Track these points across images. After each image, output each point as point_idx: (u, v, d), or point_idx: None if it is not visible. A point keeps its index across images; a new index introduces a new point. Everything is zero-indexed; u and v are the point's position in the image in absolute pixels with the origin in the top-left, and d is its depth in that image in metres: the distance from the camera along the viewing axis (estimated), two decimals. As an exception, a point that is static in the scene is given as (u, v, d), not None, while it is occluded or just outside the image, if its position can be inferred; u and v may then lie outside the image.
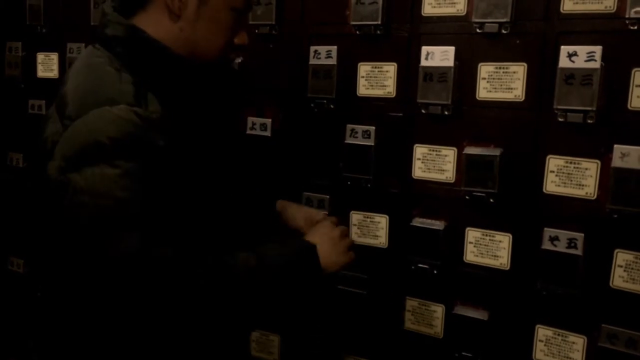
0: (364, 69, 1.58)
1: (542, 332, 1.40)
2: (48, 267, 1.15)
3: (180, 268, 1.00)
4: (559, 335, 1.38)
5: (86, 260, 0.99)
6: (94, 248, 0.97)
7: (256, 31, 1.69)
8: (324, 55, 1.61)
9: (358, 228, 1.62)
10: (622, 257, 1.30)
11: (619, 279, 1.31)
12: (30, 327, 2.23)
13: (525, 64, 1.37)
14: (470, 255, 1.47)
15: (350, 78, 1.59)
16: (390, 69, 1.54)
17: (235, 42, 1.17)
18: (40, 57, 2.14)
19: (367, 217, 1.60)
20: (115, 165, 0.98)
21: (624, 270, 1.30)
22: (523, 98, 1.37)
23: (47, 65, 2.13)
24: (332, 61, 1.60)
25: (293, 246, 1.16)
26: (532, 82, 1.37)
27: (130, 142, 1.00)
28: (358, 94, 1.59)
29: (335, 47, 1.59)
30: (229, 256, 1.06)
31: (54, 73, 2.12)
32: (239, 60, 1.74)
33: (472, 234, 1.46)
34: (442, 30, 1.46)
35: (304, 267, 1.14)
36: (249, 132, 1.74)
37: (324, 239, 1.20)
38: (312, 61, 1.62)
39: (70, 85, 1.08)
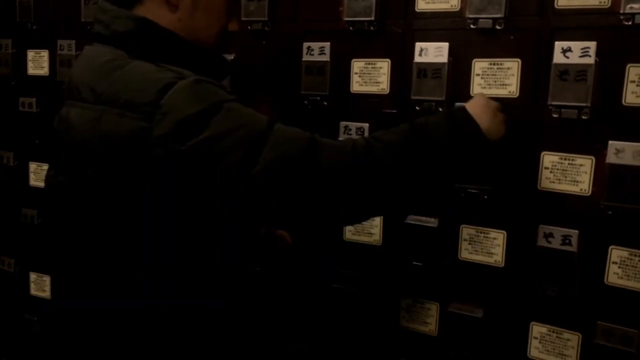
0: (357, 65, 1.57)
1: (537, 329, 1.39)
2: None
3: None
4: (553, 332, 1.38)
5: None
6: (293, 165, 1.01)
7: (249, 27, 1.68)
8: (317, 51, 1.60)
9: (352, 226, 1.61)
10: (616, 253, 1.30)
11: (613, 276, 1.30)
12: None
13: (519, 60, 1.36)
14: (465, 252, 1.46)
15: (343, 75, 1.58)
16: (384, 66, 1.53)
17: (229, 29, 1.21)
18: (31, 54, 2.12)
19: (361, 215, 1.59)
20: (220, 110, 1.01)
21: (619, 267, 1.30)
22: (517, 94, 1.37)
23: (38, 63, 2.11)
24: (326, 58, 1.59)
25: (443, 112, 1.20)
26: (527, 78, 1.36)
27: (219, 95, 1.04)
28: (352, 91, 1.58)
29: (329, 43, 1.58)
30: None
31: (44, 70, 2.10)
32: (231, 57, 1.73)
33: (467, 231, 1.45)
34: (436, 26, 1.45)
35: (462, 125, 1.14)
36: (241, 129, 1.72)
37: (480, 105, 1.21)
38: (305, 58, 1.61)
39: (113, 85, 1.07)
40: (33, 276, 2.20)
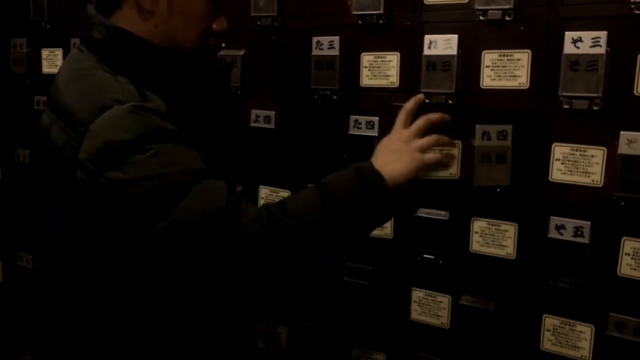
0: (366, 59, 1.57)
1: (550, 322, 1.39)
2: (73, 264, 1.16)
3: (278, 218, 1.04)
4: (566, 324, 1.37)
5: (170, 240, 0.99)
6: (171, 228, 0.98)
7: (258, 23, 1.69)
8: (326, 46, 1.60)
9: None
10: (629, 244, 1.28)
11: (626, 267, 1.29)
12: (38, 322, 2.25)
13: (529, 51, 1.35)
14: (476, 245, 1.45)
15: (353, 68, 1.58)
16: (393, 59, 1.53)
17: (215, 29, 1.18)
18: (45, 53, 2.15)
19: (372, 208, 1.59)
20: (146, 150, 0.99)
21: (632, 258, 1.29)
22: (528, 85, 1.36)
23: (52, 61, 2.14)
24: (335, 52, 1.59)
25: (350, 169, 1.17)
26: (537, 69, 1.35)
27: (153, 130, 1.01)
28: (361, 85, 1.58)
29: (338, 37, 1.57)
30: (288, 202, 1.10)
31: (58, 69, 2.12)
32: (241, 52, 1.73)
33: (478, 224, 1.45)
34: (445, 18, 1.44)
35: (366, 184, 1.12)
36: (252, 124, 1.73)
37: (381, 149, 1.21)
38: (315, 52, 1.61)
39: (68, 94, 1.09)
40: (50, 272, 2.23)
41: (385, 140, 1.26)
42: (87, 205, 1.03)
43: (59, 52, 2.12)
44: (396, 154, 1.20)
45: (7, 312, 2.38)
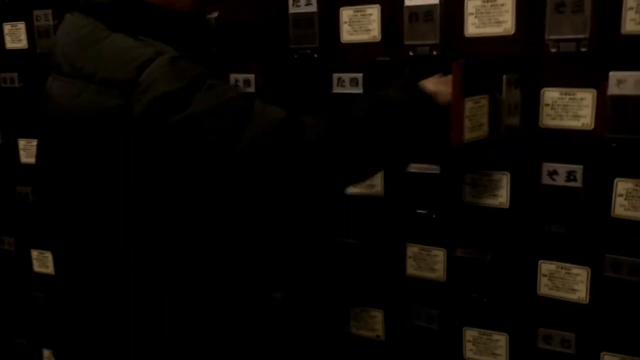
0: (346, 13, 1.52)
1: (546, 267, 1.40)
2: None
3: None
4: (562, 268, 1.38)
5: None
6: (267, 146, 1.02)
7: (230, -17, 1.62)
8: (303, 2, 1.55)
9: (352, 179, 1.59)
10: (622, 185, 1.28)
11: (620, 208, 1.30)
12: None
13: (513, -5, 1.32)
14: (469, 196, 1.45)
15: (332, 25, 1.54)
16: (373, 12, 1.48)
17: None
18: (7, 27, 2.04)
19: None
20: (201, 86, 1.01)
21: (625, 199, 1.29)
22: (513, 31, 1.33)
23: (15, 36, 2.04)
24: (313, 8, 1.53)
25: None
26: (522, 14, 1.32)
27: (198, 72, 1.03)
28: (342, 41, 1.53)
29: (315, -8, 1.52)
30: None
31: (22, 43, 2.03)
32: (215, 15, 1.67)
33: (469, 176, 1.44)
34: (424, -34, 1.40)
35: (413, 95, 1.15)
36: (232, 89, 1.68)
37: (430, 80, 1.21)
38: (292, 10, 1.55)
39: (90, 60, 1.06)
40: (34, 253, 2.18)
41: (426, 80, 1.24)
42: (149, 159, 1.02)
43: (21, 25, 2.02)
44: (437, 84, 1.20)
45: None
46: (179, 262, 1.10)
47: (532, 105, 1.33)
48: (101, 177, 1.06)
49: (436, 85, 1.18)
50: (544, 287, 1.40)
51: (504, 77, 1.24)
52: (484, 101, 1.22)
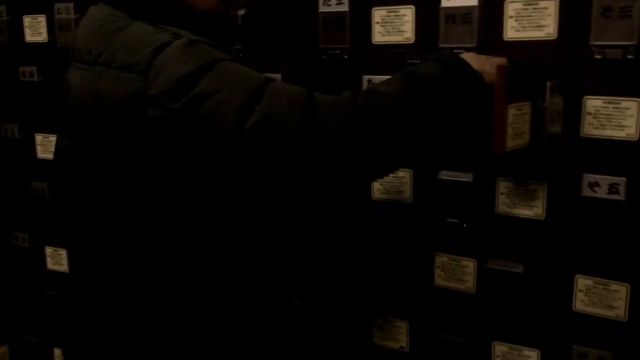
0: (378, 14, 1.47)
1: (582, 282, 1.34)
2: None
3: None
4: (600, 284, 1.32)
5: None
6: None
7: (259, -21, 1.58)
8: (334, 1, 1.50)
9: (380, 184, 1.54)
10: (667, 200, 1.23)
11: (663, 223, 1.24)
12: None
13: (556, -2, 1.27)
14: (502, 206, 1.39)
15: (364, 25, 1.49)
16: (407, 13, 1.43)
17: None
18: (27, 20, 2.01)
19: (390, 172, 1.52)
20: (214, 67, 0.98)
21: (669, 214, 1.23)
22: (556, 36, 1.28)
23: (35, 29, 2.01)
24: (344, 7, 1.49)
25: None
26: (565, 18, 1.26)
27: (214, 56, 1.00)
28: (373, 42, 1.49)
29: (347, -9, 1.48)
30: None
31: (43, 37, 2.00)
32: (241, 12, 1.62)
33: (504, 185, 1.38)
34: (464, -34, 1.35)
35: (453, 65, 1.11)
36: (257, 88, 1.64)
37: (469, 55, 1.17)
38: (322, 9, 1.51)
39: (111, 46, 1.04)
40: (49, 250, 2.15)
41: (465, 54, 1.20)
42: (164, 144, 0.99)
43: (42, 18, 1.99)
44: (479, 60, 1.16)
45: (4, 292, 2.30)
46: (191, 254, 1.07)
47: (574, 113, 1.28)
48: (119, 164, 1.03)
49: (479, 63, 1.14)
50: (580, 303, 1.35)
51: (548, 83, 1.19)
52: (526, 108, 1.17)
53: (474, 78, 1.11)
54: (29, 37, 2.03)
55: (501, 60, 1.20)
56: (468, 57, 1.15)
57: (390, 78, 1.11)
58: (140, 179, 1.03)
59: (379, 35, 1.48)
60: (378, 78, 1.46)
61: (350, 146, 0.99)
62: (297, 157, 0.97)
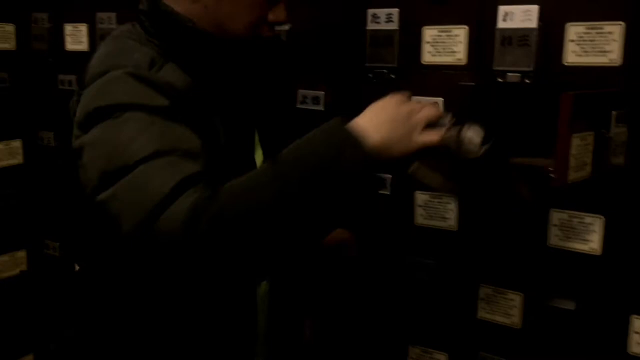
0: (429, 33, 1.42)
1: (638, 323, 1.26)
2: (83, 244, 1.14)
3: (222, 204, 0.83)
4: (659, 327, 1.24)
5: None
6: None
7: (305, -5, 1.54)
8: (384, 19, 1.46)
9: (424, 209, 1.48)
10: None
11: None
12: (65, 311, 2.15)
13: (622, 23, 1.20)
14: (555, 239, 1.32)
15: (413, 44, 1.44)
16: (460, 33, 1.38)
17: (270, 19, 1.07)
18: (69, 28, 2.01)
19: (435, 199, 1.46)
20: (118, 116, 0.91)
21: None
22: (620, 62, 1.21)
23: (77, 38, 2.00)
24: (394, 26, 1.45)
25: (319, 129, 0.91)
26: (632, 44, 1.20)
27: (136, 100, 0.93)
28: (423, 62, 1.44)
29: (397, 10, 1.43)
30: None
31: (83, 46, 1.99)
32: (286, 28, 1.58)
33: (558, 216, 1.31)
34: (522, -13, 1.29)
35: (337, 147, 0.88)
36: (299, 106, 1.60)
37: (377, 110, 0.94)
38: (370, 26, 1.47)
39: (92, 60, 1.05)
40: (79, 260, 2.13)
41: (381, 102, 0.98)
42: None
43: (83, 27, 1.98)
44: (391, 124, 0.93)
45: (34, 301, 2.28)
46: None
47: (637, 144, 1.21)
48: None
49: (392, 126, 0.93)
50: (636, 346, 1.27)
51: (613, 113, 1.12)
52: (590, 138, 1.10)
53: (367, 162, 0.89)
54: (70, 46, 2.02)
55: (429, 113, 0.98)
56: (377, 117, 0.93)
57: (262, 166, 1.00)
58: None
59: (429, 56, 1.43)
60: (426, 99, 1.41)
61: (188, 254, 0.83)
62: (130, 250, 0.88)
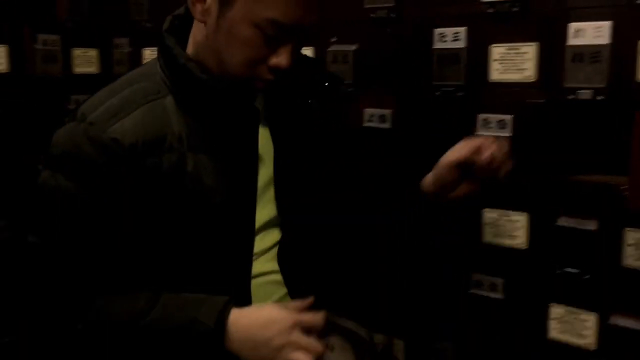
0: (497, 51, 1.42)
1: None
2: None
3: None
4: None
5: None
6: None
7: (372, 15, 1.57)
8: (450, 38, 1.47)
9: (491, 228, 1.47)
10: None
11: None
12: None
13: (700, 38, 1.17)
14: (630, 259, 1.29)
15: (480, 62, 1.44)
16: (529, 50, 1.37)
17: (270, 64, 1.02)
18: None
19: (503, 216, 1.45)
20: (54, 178, 1.02)
21: None
22: (699, 78, 1.18)
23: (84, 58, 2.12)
24: (461, 44, 1.45)
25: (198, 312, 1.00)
26: None
27: (72, 162, 1.01)
28: (490, 80, 1.44)
29: (465, 28, 1.44)
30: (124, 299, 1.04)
31: (93, 68, 2.10)
32: (353, 47, 1.62)
33: (632, 235, 1.28)
34: (593, 3, 1.28)
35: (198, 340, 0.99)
36: (366, 124, 1.62)
37: (259, 323, 0.98)
38: (437, 45, 1.48)
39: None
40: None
41: (271, 318, 0.99)
42: None
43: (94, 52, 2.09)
44: (254, 348, 0.98)
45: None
46: None
47: None
48: None
49: (247, 328, 0.99)
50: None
51: None
52: None
53: (217, 348, 0.98)
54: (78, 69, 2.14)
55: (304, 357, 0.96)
56: (249, 330, 0.99)
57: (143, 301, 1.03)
58: None
59: (497, 73, 1.43)
60: (493, 117, 1.42)
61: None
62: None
